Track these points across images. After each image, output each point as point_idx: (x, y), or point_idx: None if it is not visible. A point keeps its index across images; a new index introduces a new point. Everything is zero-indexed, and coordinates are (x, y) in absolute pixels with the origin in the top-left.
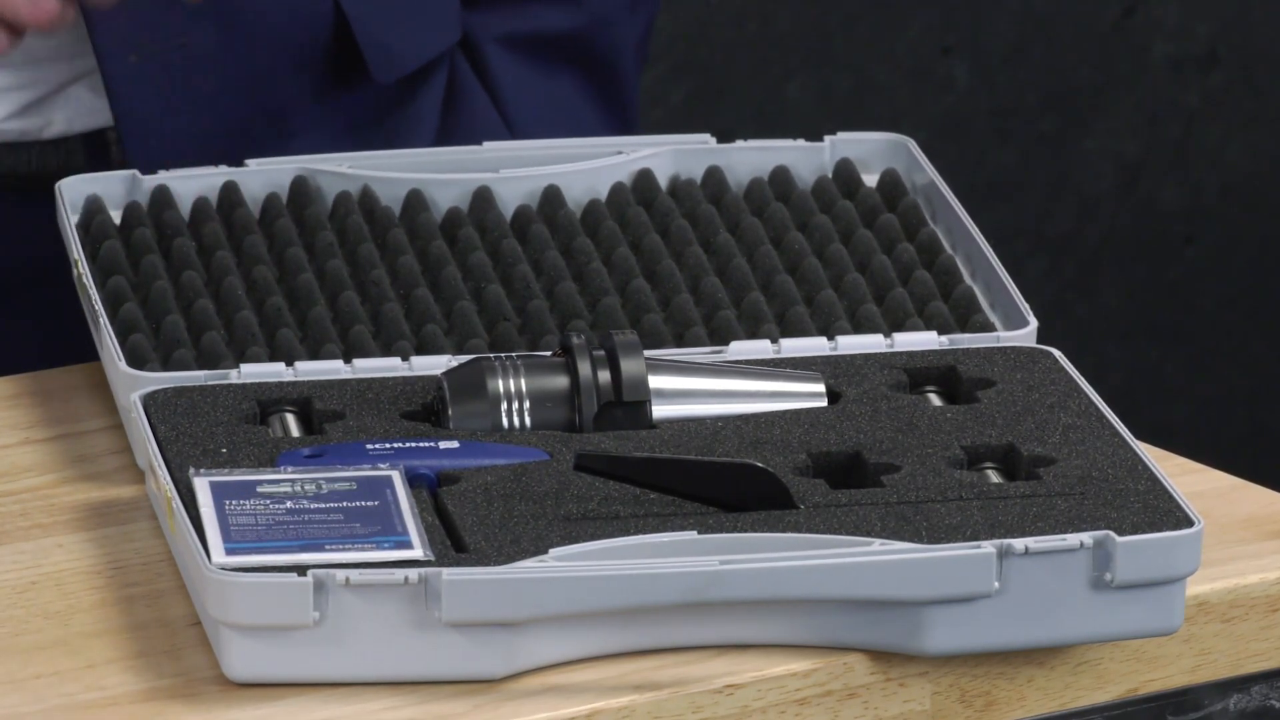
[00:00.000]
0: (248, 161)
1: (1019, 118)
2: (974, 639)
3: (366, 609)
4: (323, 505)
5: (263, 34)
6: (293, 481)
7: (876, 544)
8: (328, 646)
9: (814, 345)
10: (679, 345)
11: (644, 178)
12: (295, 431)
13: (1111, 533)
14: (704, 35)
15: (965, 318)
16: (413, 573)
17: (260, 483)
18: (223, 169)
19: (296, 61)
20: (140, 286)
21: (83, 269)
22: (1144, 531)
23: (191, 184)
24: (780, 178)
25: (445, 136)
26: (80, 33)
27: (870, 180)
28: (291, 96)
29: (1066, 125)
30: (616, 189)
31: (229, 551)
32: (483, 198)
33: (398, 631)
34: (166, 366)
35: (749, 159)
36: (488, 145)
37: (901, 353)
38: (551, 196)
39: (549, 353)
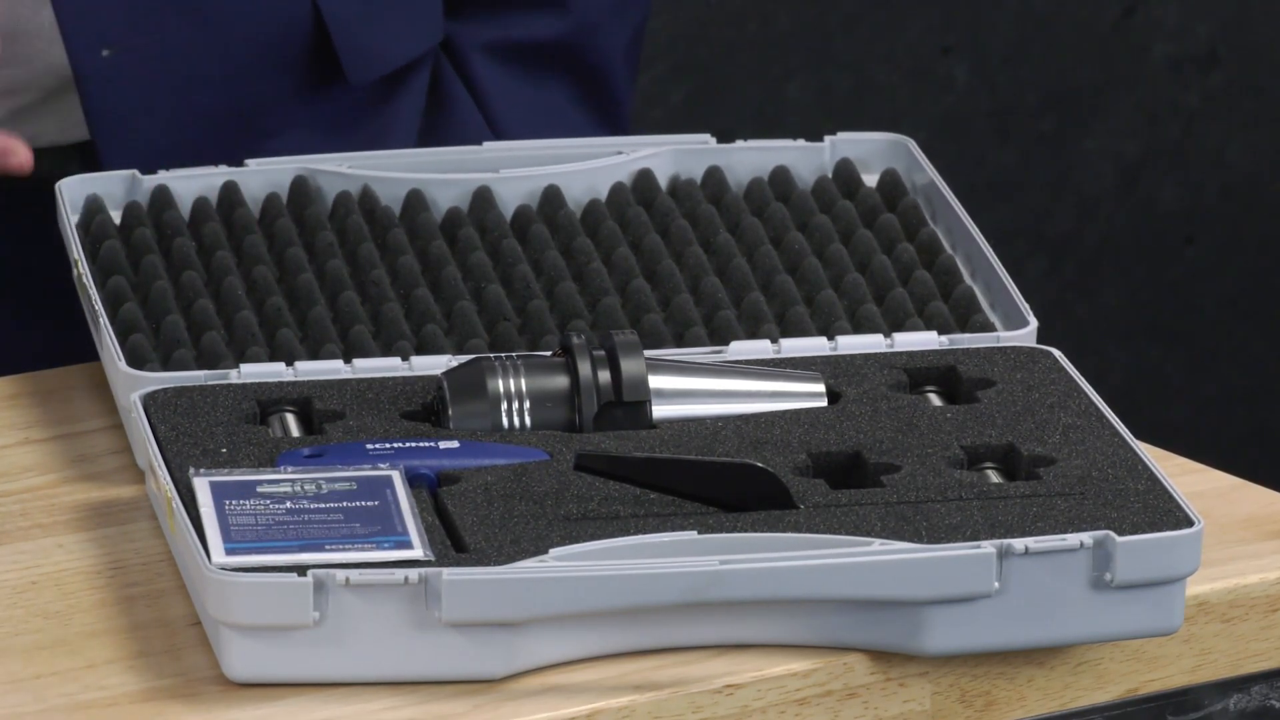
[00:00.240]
0: (248, 161)
1: (1019, 118)
2: (974, 639)
3: (366, 609)
4: (323, 505)
5: (239, 32)
6: (293, 481)
7: (876, 544)
8: (328, 646)
9: (814, 345)
10: (679, 345)
11: (644, 178)
12: (295, 431)
13: (1111, 533)
14: (704, 35)
15: (965, 318)
16: (413, 573)
17: (260, 483)
18: (223, 169)
19: (273, 60)
20: (140, 286)
21: (83, 269)
22: (1144, 531)
23: (191, 184)
24: (780, 178)
25: (429, 142)
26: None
27: (870, 180)
28: (268, 95)
29: (1066, 125)
30: (616, 189)
31: (229, 551)
32: (483, 198)
33: (398, 631)
34: (166, 366)
35: (749, 159)
36: (488, 145)
37: (901, 353)
38: (551, 196)
39: (549, 353)
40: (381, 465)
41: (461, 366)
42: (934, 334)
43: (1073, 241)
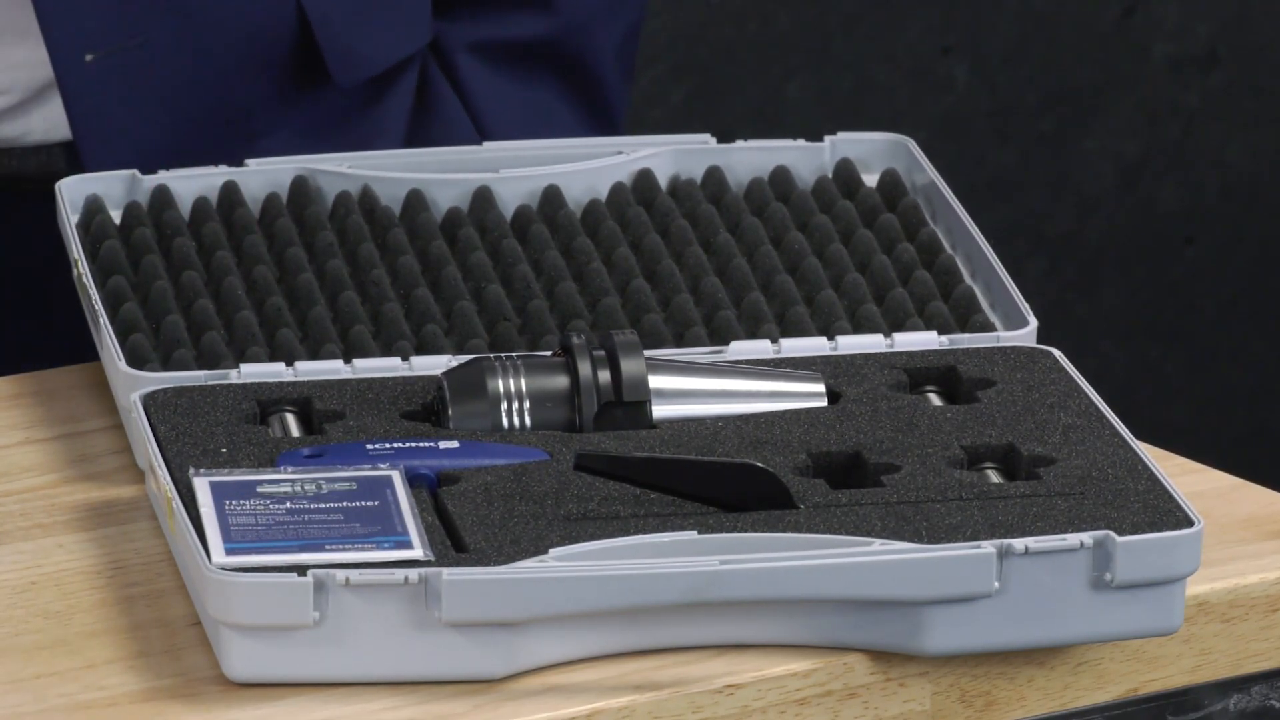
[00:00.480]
0: (248, 161)
1: (1019, 118)
2: (974, 639)
3: (366, 609)
4: (323, 505)
5: (223, 34)
6: (293, 481)
7: (876, 544)
8: (328, 646)
9: (814, 345)
10: (679, 345)
11: (644, 178)
12: (295, 431)
13: (1111, 533)
14: (704, 35)
15: (965, 318)
16: (413, 573)
17: (260, 483)
18: (223, 169)
19: (258, 63)
20: (140, 286)
21: (83, 269)
22: (1144, 531)
23: (191, 184)
24: (780, 178)
25: (416, 143)
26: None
27: (870, 180)
28: (253, 98)
29: (1066, 125)
30: (616, 189)
31: (229, 551)
32: (483, 198)
33: (398, 631)
34: (166, 366)
35: (749, 159)
36: (488, 145)
37: (901, 353)
38: (551, 196)
39: (549, 353)
40: (381, 465)
41: (461, 366)
42: (934, 334)
43: (1073, 241)
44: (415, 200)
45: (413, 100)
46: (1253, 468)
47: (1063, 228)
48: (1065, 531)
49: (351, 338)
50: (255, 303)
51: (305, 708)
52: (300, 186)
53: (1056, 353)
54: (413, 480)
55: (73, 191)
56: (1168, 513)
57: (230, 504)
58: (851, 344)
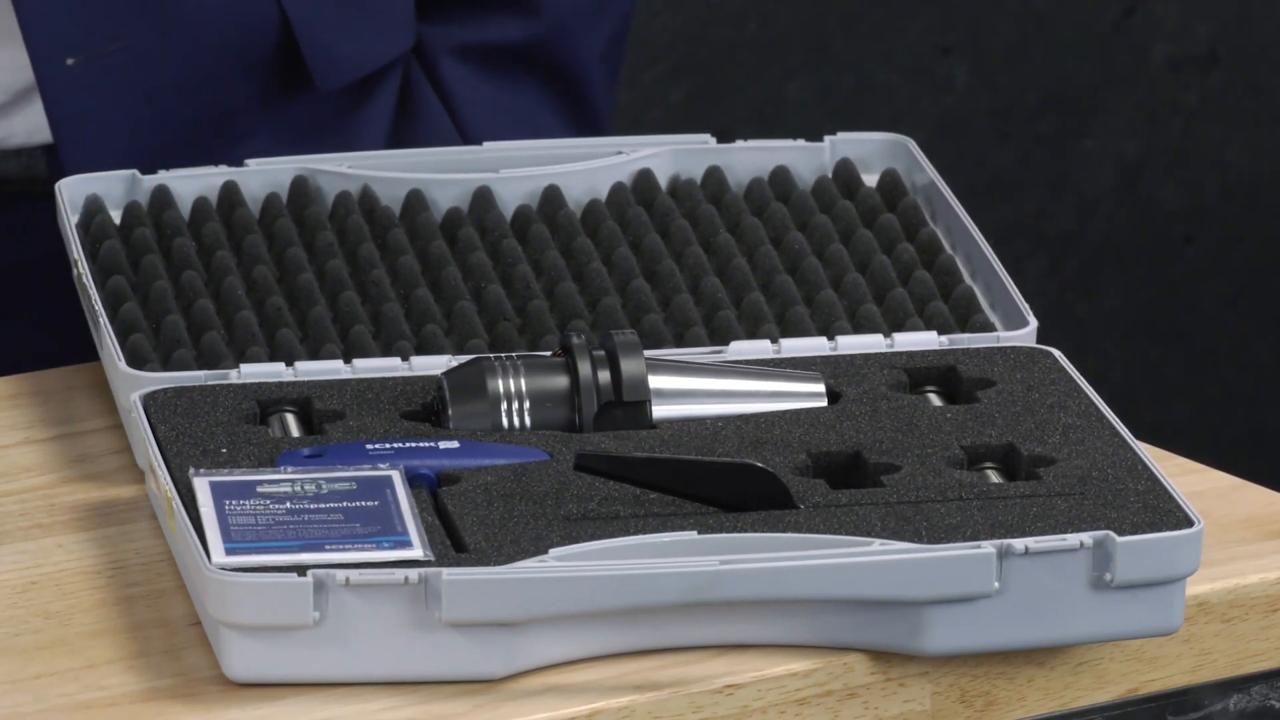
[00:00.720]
0: (248, 161)
1: (1019, 118)
2: (974, 639)
3: (366, 609)
4: (323, 505)
5: (205, 37)
6: (293, 481)
7: (876, 544)
8: (328, 646)
9: (814, 345)
10: (679, 345)
11: (644, 178)
12: (295, 431)
13: (1111, 533)
14: (704, 35)
15: (965, 318)
16: (413, 573)
17: (260, 483)
18: (223, 169)
19: (241, 65)
20: (140, 286)
21: (83, 269)
22: (1144, 531)
23: (191, 184)
24: (780, 178)
25: (398, 148)
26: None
27: (870, 180)
28: (236, 102)
29: (1066, 125)
30: (616, 189)
31: (229, 551)
32: (483, 198)
33: (398, 631)
34: (166, 366)
35: (749, 159)
36: (488, 145)
37: (901, 353)
38: (551, 196)
39: (549, 353)
40: (381, 465)
41: (461, 366)
42: (934, 334)
43: (1073, 241)
44: (415, 200)
45: (395, 104)
46: (1253, 468)
47: (1063, 228)
48: (1065, 532)
49: (351, 338)
50: (255, 303)
51: (305, 708)
52: (300, 186)
53: (1056, 353)
54: (413, 480)
55: (73, 191)
56: (1168, 513)
57: (230, 504)
58: (851, 344)
